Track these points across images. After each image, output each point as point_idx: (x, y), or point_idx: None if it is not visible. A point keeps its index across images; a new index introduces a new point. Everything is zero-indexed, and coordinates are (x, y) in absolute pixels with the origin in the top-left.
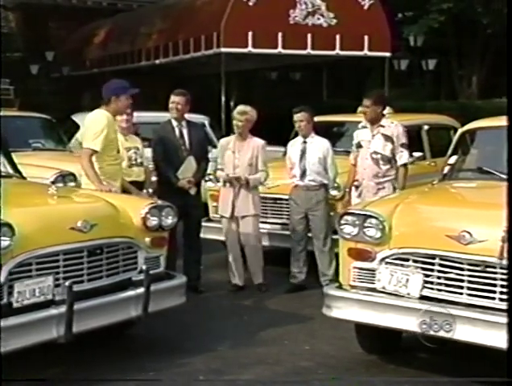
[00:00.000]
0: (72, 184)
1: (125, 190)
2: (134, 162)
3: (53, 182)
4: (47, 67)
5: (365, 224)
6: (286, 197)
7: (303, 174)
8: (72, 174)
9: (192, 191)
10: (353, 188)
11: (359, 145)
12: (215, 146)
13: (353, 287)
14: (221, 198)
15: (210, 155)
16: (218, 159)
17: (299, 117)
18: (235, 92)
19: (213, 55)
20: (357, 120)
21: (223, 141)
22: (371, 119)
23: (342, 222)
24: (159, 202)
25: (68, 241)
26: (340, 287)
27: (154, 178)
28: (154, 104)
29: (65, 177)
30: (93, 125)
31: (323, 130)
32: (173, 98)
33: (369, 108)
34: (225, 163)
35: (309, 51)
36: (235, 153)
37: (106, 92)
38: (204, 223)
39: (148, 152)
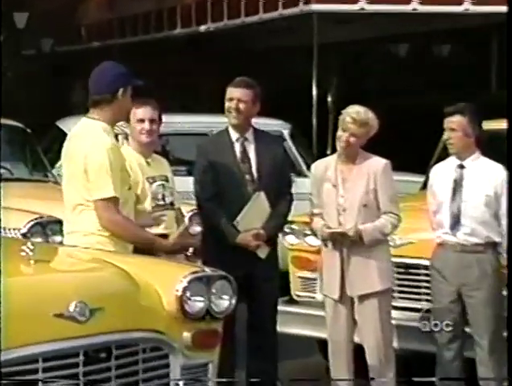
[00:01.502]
0: (58, 238)
1: (142, 252)
2: (161, 203)
3: (26, 236)
4: (15, 40)
5: None
6: (426, 263)
7: (457, 223)
8: (58, 221)
9: (262, 253)
10: None
11: None
12: (302, 174)
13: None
14: (322, 265)
15: (294, 189)
16: (311, 197)
17: (452, 124)
18: (335, 79)
19: (299, 17)
20: None
21: (318, 165)
22: None
23: None
24: (206, 270)
25: (52, 337)
26: None
27: (196, 229)
28: (196, 101)
29: (46, 226)
30: (92, 156)
31: (494, 146)
32: (231, 92)
33: None
34: (323, 205)
35: (467, 6)
36: (338, 188)
37: (101, 84)
38: (282, 308)
39: (186, 184)
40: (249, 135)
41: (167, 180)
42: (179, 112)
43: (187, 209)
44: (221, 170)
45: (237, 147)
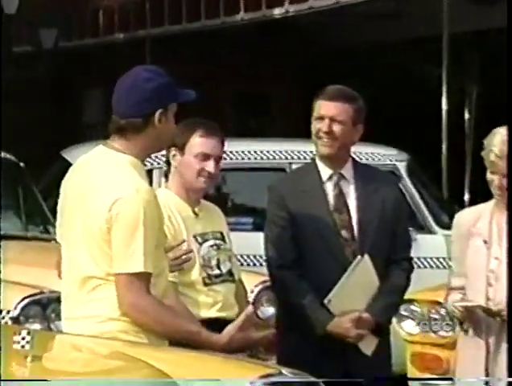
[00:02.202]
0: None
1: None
2: (214, 272)
3: (19, 319)
4: (3, 31)
5: None
6: None
7: None
8: None
9: (367, 348)
10: None
11: None
12: (427, 229)
13: None
14: (457, 365)
15: (415, 252)
16: (452, 262)
17: None
18: (474, 86)
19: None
20: None
21: (464, 215)
22: None
23: None
24: (284, 372)
25: None
26: None
27: (267, 312)
28: (266, 120)
29: (47, 306)
30: (120, 209)
31: None
32: (322, 107)
33: None
34: (466, 272)
35: None
36: (491, 246)
37: (129, 102)
38: None
39: (251, 244)
40: (348, 171)
41: (222, 239)
42: (241, 136)
43: (255, 282)
44: (306, 223)
45: (330, 189)
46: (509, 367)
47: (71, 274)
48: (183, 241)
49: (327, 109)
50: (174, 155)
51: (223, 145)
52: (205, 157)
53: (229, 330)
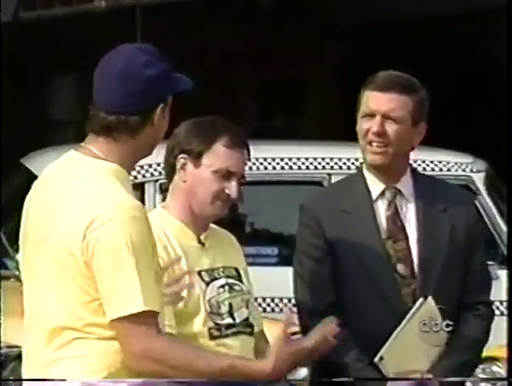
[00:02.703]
0: None
1: None
2: (226, 321)
3: None
4: None
5: None
6: None
7: None
8: None
9: None
10: None
11: None
12: None
13: None
14: None
15: (495, 293)
16: None
17: None
18: None
19: None
20: None
21: None
22: None
23: None
24: None
25: None
26: None
27: (300, 374)
28: (292, 118)
29: (5, 364)
30: (105, 234)
31: None
32: (371, 99)
33: None
34: None
35: None
36: None
37: (117, 92)
38: None
39: (275, 283)
40: (406, 185)
41: (237, 277)
42: (263, 137)
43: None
44: (349, 254)
45: (382, 209)
46: (509, 367)
47: (36, 324)
48: (187, 273)
49: (378, 103)
50: (183, 165)
51: (247, 159)
52: (228, 175)
53: (272, 351)
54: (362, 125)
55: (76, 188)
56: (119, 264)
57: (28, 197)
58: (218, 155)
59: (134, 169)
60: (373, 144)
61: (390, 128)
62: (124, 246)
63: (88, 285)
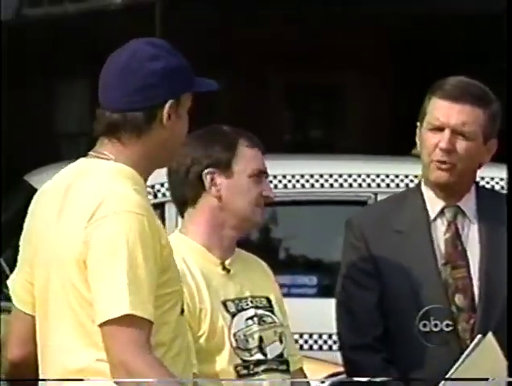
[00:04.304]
0: None
1: None
2: (255, 357)
3: None
4: None
5: None
6: None
7: None
8: None
9: None
10: None
11: None
12: None
13: None
14: None
15: None
16: None
17: None
18: None
19: None
20: None
21: None
22: None
23: None
24: None
25: None
26: None
27: None
28: (334, 130)
29: None
30: (100, 233)
31: None
32: (439, 109)
33: None
34: None
35: None
36: None
37: (124, 89)
38: None
39: (313, 315)
40: (468, 203)
41: (269, 307)
42: (298, 151)
43: (322, 373)
44: (400, 281)
45: (441, 230)
46: (509, 367)
47: (49, 364)
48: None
49: (448, 115)
50: (212, 180)
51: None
52: (260, 176)
53: None
54: (428, 138)
55: (81, 190)
56: (110, 259)
57: (30, 210)
58: (247, 158)
59: (150, 174)
60: (440, 161)
61: (460, 145)
62: (119, 240)
63: (83, 285)
